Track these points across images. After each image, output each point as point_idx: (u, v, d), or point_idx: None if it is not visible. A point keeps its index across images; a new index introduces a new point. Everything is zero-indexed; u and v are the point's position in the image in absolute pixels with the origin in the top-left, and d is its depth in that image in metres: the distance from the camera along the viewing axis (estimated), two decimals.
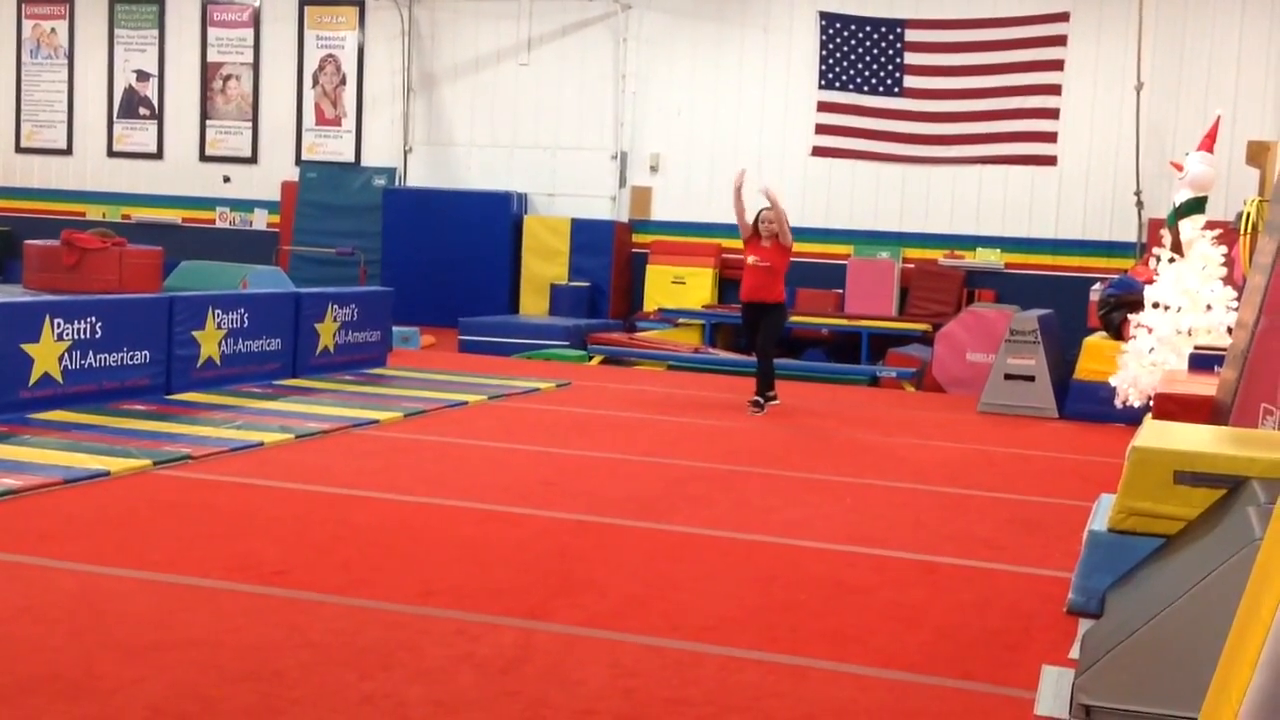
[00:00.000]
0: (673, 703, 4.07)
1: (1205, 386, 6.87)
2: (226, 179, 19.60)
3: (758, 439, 9.66)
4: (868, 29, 16.60)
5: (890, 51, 16.55)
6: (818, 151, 16.87)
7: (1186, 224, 10.00)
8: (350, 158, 19.03)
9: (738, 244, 10.84)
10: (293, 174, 19.06)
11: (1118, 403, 10.07)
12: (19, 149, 20.59)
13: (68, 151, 20.34)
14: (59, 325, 8.96)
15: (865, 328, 15.69)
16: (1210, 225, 10.12)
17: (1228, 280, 9.72)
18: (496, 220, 17.77)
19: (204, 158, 19.70)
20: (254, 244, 18.88)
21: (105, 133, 20.14)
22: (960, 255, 16.54)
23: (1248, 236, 9.37)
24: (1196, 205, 10.09)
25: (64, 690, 3.93)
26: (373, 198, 18.36)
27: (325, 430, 8.85)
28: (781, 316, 11.12)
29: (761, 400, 10.77)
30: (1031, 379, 11.78)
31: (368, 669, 4.23)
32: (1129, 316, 10.60)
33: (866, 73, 16.65)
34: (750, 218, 10.90)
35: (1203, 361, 7.88)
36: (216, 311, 10.42)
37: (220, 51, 19.54)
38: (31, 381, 8.76)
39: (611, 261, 17.48)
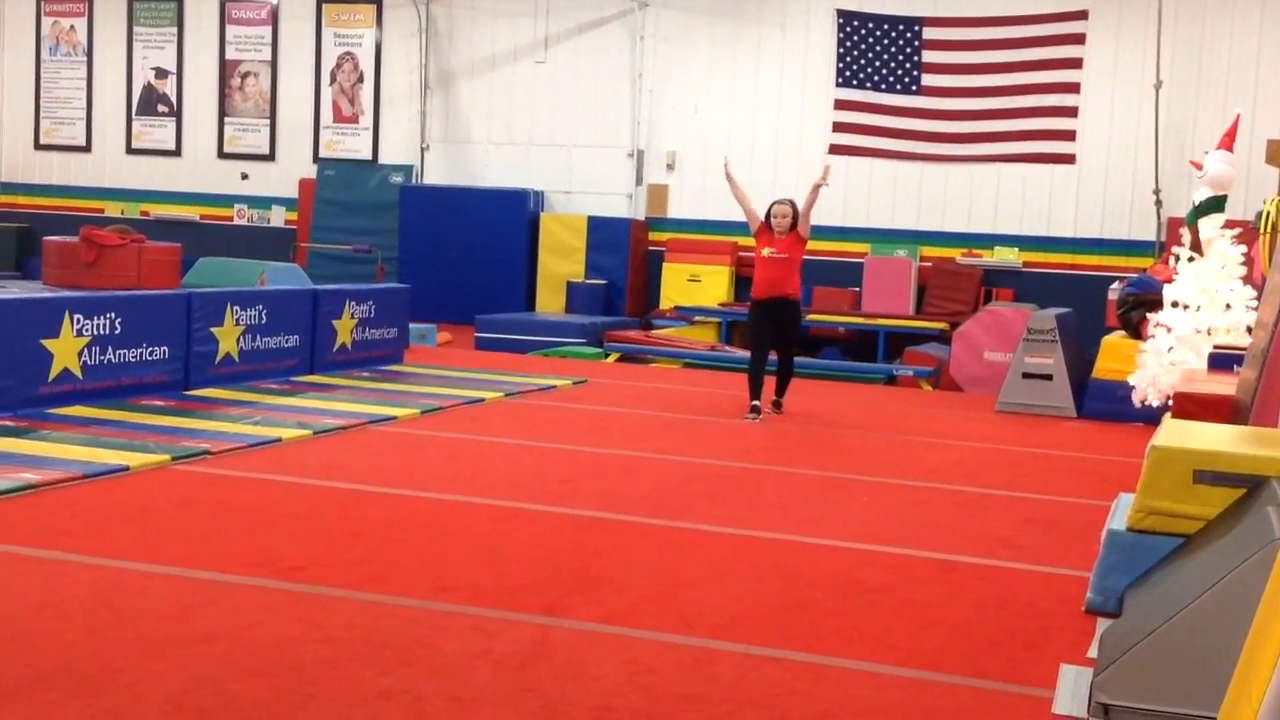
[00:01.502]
0: (690, 700, 4.07)
1: (1224, 386, 6.84)
2: (245, 176, 19.66)
3: (774, 437, 9.65)
4: (885, 27, 16.58)
5: (908, 49, 16.52)
6: (835, 149, 16.83)
7: (1206, 223, 9.95)
8: (368, 155, 19.08)
9: (753, 241, 10.71)
10: (310, 171, 19.11)
11: (1136, 402, 10.02)
12: (38, 146, 20.69)
13: (86, 148, 20.43)
14: (78, 321, 9.00)
15: (882, 326, 15.67)
16: (1230, 224, 10.07)
17: (1247, 279, 9.68)
18: (513, 218, 17.79)
19: (222, 155, 19.77)
20: (272, 241, 18.95)
21: (124, 130, 20.22)
22: (978, 254, 16.50)
23: (1267, 235, 9.32)
24: (1216, 204, 10.04)
25: (82, 684, 3.95)
26: (390, 195, 18.40)
27: (343, 426, 8.87)
28: (800, 314, 10.84)
29: (780, 400, 10.66)
30: (1049, 378, 11.74)
31: (385, 664, 4.24)
32: (1148, 315, 10.55)
33: (884, 70, 16.62)
34: (754, 204, 10.71)
35: (1222, 361, 7.85)
36: (235, 308, 10.45)
37: (239, 49, 19.60)
38: (51, 377, 8.80)
39: (628, 259, 17.49)
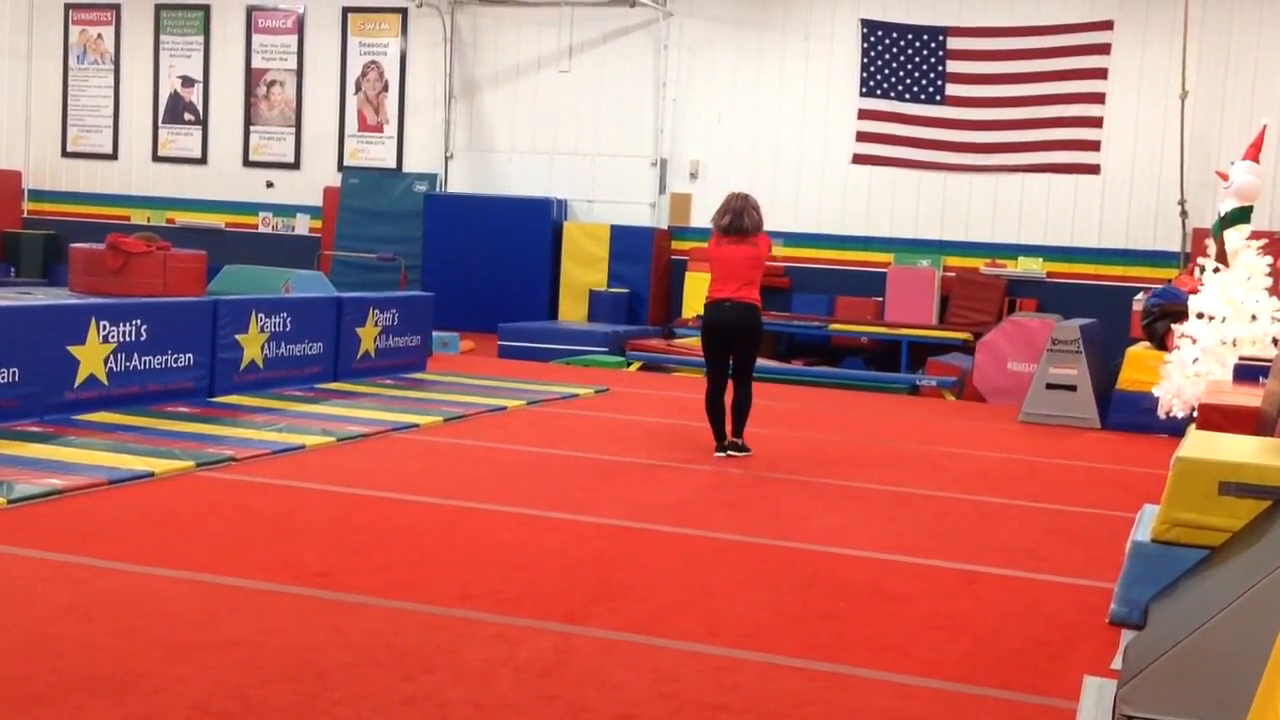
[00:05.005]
0: (712, 708, 4.07)
1: (1250, 397, 6.80)
2: (270, 184, 19.75)
3: (796, 446, 9.64)
4: (909, 36, 16.55)
5: (932, 59, 16.49)
6: (858, 159, 16.83)
7: (1231, 234, 9.91)
8: (392, 164, 19.14)
9: (778, 250, 10.47)
10: (335, 179, 19.18)
11: (1161, 413, 9.99)
12: (65, 153, 20.82)
13: (113, 156, 20.55)
14: (104, 328, 9.05)
15: (905, 336, 15.63)
16: (1256, 235, 10.03)
17: (1273, 291, 9.64)
18: (536, 226, 17.82)
19: (248, 163, 19.86)
20: (296, 249, 19.01)
21: (150, 138, 20.33)
22: (1002, 264, 16.45)
23: None
24: (1242, 215, 10.00)
25: (108, 688, 3.97)
26: (414, 203, 18.45)
27: (366, 434, 8.89)
28: None
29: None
30: (1073, 389, 11.70)
31: (409, 671, 4.25)
32: (1173, 326, 10.52)
33: (908, 80, 16.60)
34: None
35: (1248, 372, 7.80)
36: (259, 315, 10.49)
37: (264, 58, 19.69)
38: (77, 383, 8.85)
39: (650, 268, 17.51)
